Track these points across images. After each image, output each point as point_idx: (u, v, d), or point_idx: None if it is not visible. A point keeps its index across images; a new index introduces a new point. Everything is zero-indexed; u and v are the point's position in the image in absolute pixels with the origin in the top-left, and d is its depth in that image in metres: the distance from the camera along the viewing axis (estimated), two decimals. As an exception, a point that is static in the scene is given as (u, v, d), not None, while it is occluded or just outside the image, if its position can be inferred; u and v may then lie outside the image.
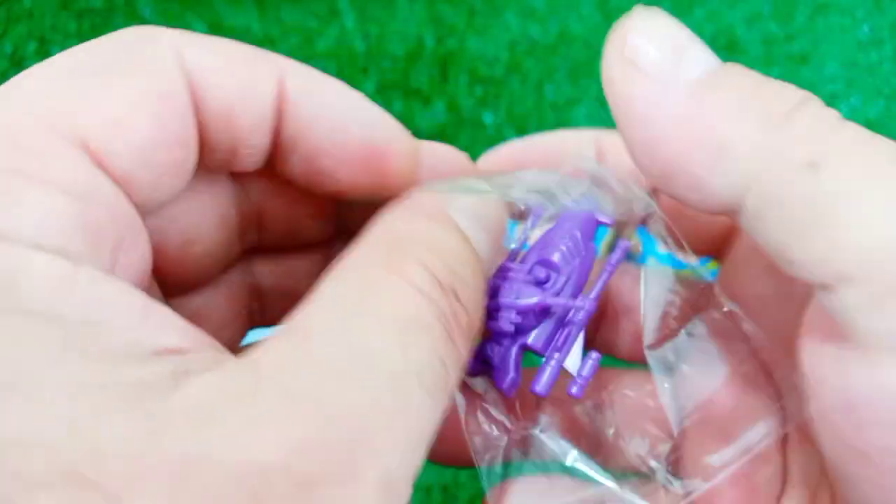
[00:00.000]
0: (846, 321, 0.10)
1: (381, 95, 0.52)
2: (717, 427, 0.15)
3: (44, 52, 0.52)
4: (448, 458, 0.16)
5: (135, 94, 0.11)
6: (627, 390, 0.17)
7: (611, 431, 0.16)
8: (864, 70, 0.53)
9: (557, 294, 0.15)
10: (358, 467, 0.09)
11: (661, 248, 0.16)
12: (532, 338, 0.15)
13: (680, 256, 0.15)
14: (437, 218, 0.12)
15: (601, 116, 0.51)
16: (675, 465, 0.15)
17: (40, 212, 0.09)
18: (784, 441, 0.15)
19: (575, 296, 0.15)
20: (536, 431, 0.16)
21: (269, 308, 0.17)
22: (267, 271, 0.17)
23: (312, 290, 0.11)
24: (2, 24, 0.53)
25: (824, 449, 0.12)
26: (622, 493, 0.14)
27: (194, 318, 0.12)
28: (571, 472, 0.15)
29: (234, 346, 0.17)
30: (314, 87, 0.14)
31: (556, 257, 0.15)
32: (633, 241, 0.16)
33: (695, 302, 0.15)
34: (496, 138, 0.51)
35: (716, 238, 0.16)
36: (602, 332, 0.18)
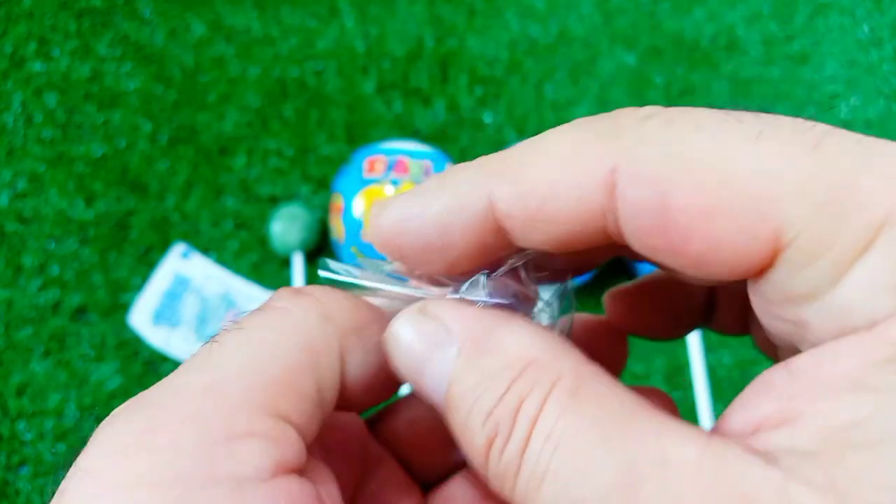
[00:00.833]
0: None
1: (382, 95, 0.52)
2: None
3: (44, 53, 0.52)
4: None
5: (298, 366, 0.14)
6: None
7: None
8: (864, 70, 0.53)
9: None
10: None
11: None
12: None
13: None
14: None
15: (601, 116, 0.51)
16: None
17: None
18: None
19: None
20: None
21: None
22: None
23: None
24: (2, 24, 0.53)
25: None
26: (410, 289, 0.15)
27: None
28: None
29: None
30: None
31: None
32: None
33: None
34: (496, 138, 0.51)
35: None
36: None
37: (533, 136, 0.15)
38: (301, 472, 0.13)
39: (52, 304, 0.47)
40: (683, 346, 0.46)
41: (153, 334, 0.46)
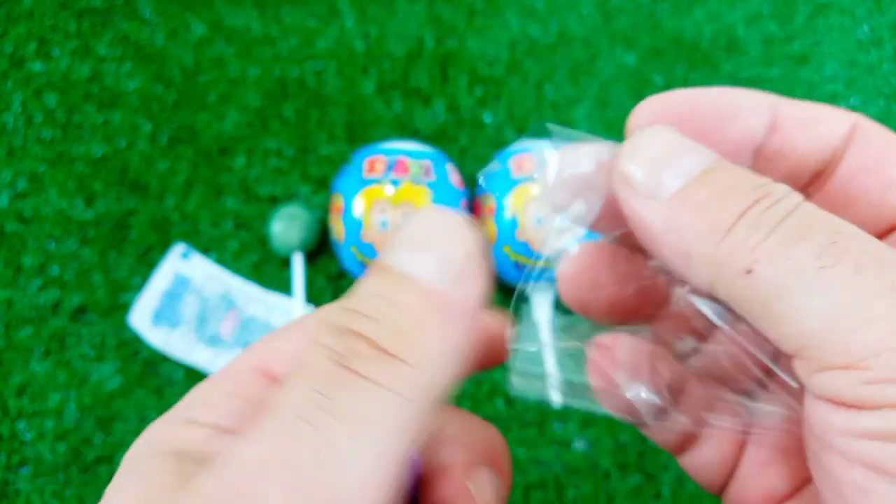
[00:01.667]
0: (804, 381, 0.13)
1: (382, 95, 0.52)
2: None
3: (44, 53, 0.52)
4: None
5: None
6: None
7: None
8: (864, 70, 0.53)
9: None
10: None
11: None
12: None
13: None
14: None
15: (601, 116, 0.51)
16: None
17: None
18: None
19: None
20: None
21: None
22: None
23: None
24: (2, 24, 0.53)
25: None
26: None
27: None
28: None
29: None
30: None
31: None
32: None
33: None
34: (496, 138, 0.51)
35: None
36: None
37: (701, 89, 0.16)
38: None
39: (52, 304, 0.47)
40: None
41: (153, 334, 0.46)
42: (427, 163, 0.43)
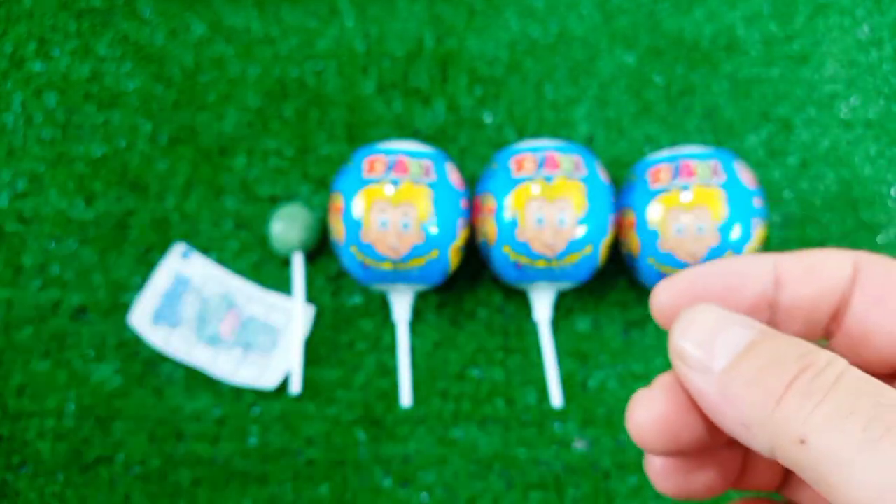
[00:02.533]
0: None
1: (382, 95, 0.52)
2: None
3: (44, 53, 0.52)
4: None
5: None
6: None
7: None
8: (864, 70, 0.53)
9: None
10: None
11: None
12: None
13: None
14: None
15: (601, 116, 0.51)
16: None
17: None
18: None
19: None
20: None
21: None
22: None
23: None
24: (2, 24, 0.53)
25: None
26: None
27: None
28: None
29: None
30: None
31: None
32: None
33: None
34: (496, 138, 0.51)
35: None
36: None
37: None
38: None
39: (52, 304, 0.47)
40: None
41: (153, 334, 0.46)
42: (427, 163, 0.43)
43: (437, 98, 0.52)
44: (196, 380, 0.46)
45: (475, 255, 0.48)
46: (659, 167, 0.43)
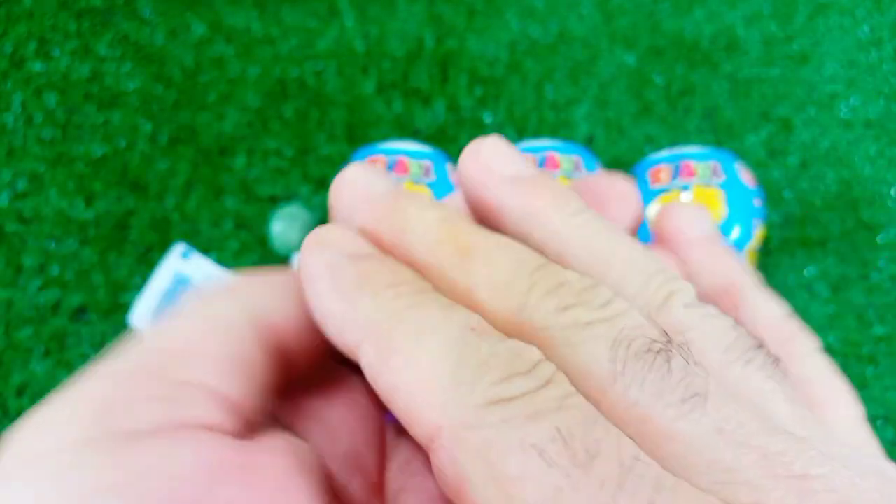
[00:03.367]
0: None
1: (382, 95, 0.52)
2: None
3: (44, 52, 0.52)
4: None
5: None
6: None
7: None
8: (864, 70, 0.53)
9: None
10: None
11: None
12: None
13: None
14: None
15: (601, 116, 0.51)
16: None
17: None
18: None
19: None
20: None
21: None
22: None
23: None
24: (2, 24, 0.53)
25: None
26: None
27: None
28: None
29: None
30: None
31: None
32: None
33: None
34: (496, 138, 0.51)
35: None
36: None
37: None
38: (235, 434, 0.13)
39: (52, 304, 0.47)
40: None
41: (153, 334, 0.46)
42: (427, 163, 0.43)
43: (437, 98, 0.52)
44: (196, 380, 0.46)
45: (475, 255, 0.48)
46: (659, 167, 0.43)
